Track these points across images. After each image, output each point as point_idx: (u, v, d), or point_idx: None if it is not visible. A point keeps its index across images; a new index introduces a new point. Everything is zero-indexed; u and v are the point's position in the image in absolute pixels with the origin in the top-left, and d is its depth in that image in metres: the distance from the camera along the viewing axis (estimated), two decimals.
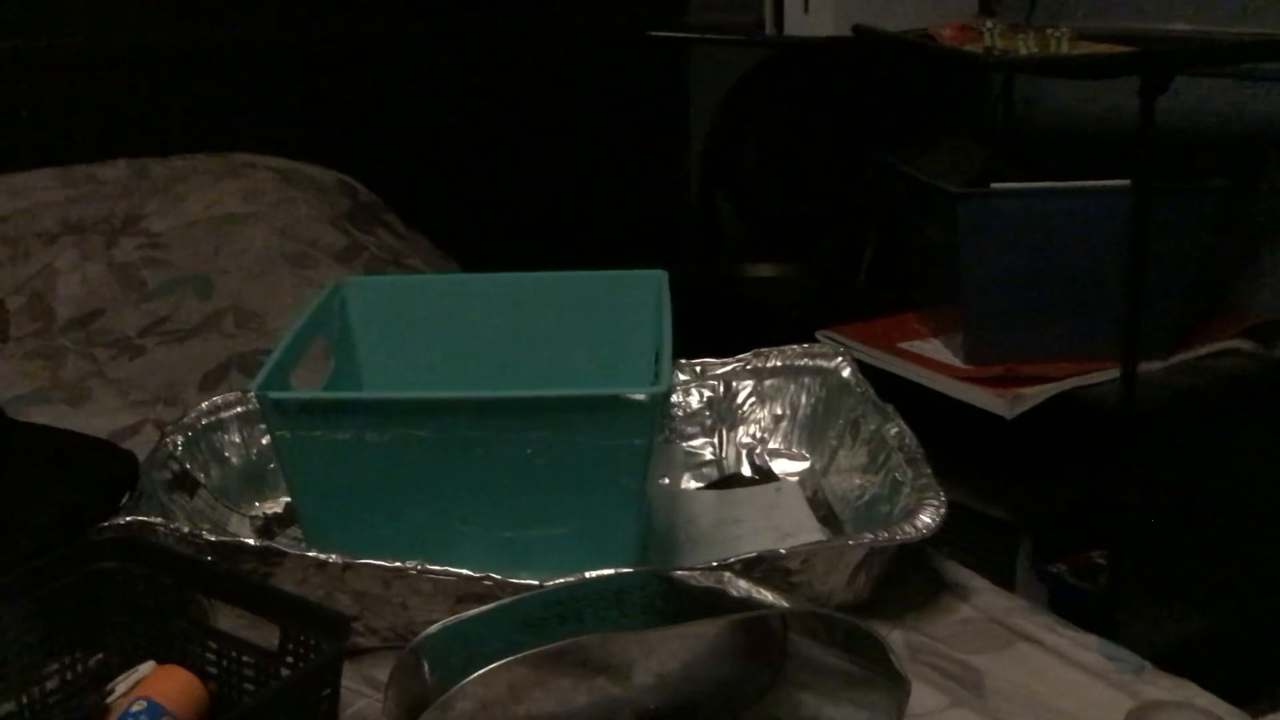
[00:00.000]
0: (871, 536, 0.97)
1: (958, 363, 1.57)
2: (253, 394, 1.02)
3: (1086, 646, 0.98)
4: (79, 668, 0.89)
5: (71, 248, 1.71)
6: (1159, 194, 1.40)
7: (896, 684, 0.85)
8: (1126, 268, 1.40)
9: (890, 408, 1.15)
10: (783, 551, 0.96)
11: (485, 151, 2.27)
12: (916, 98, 1.83)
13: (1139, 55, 1.40)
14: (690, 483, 1.24)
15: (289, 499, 1.15)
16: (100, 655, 0.90)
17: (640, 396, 0.98)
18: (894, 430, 1.12)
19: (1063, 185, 1.49)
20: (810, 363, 1.27)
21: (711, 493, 1.22)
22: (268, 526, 1.14)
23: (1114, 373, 1.45)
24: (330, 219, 1.86)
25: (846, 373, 1.23)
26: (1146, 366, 1.46)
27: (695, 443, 1.27)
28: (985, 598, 1.05)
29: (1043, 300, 1.52)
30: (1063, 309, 1.52)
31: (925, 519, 0.98)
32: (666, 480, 1.23)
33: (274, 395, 0.96)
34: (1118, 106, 1.46)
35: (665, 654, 0.91)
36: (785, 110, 1.97)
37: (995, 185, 1.49)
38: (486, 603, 0.89)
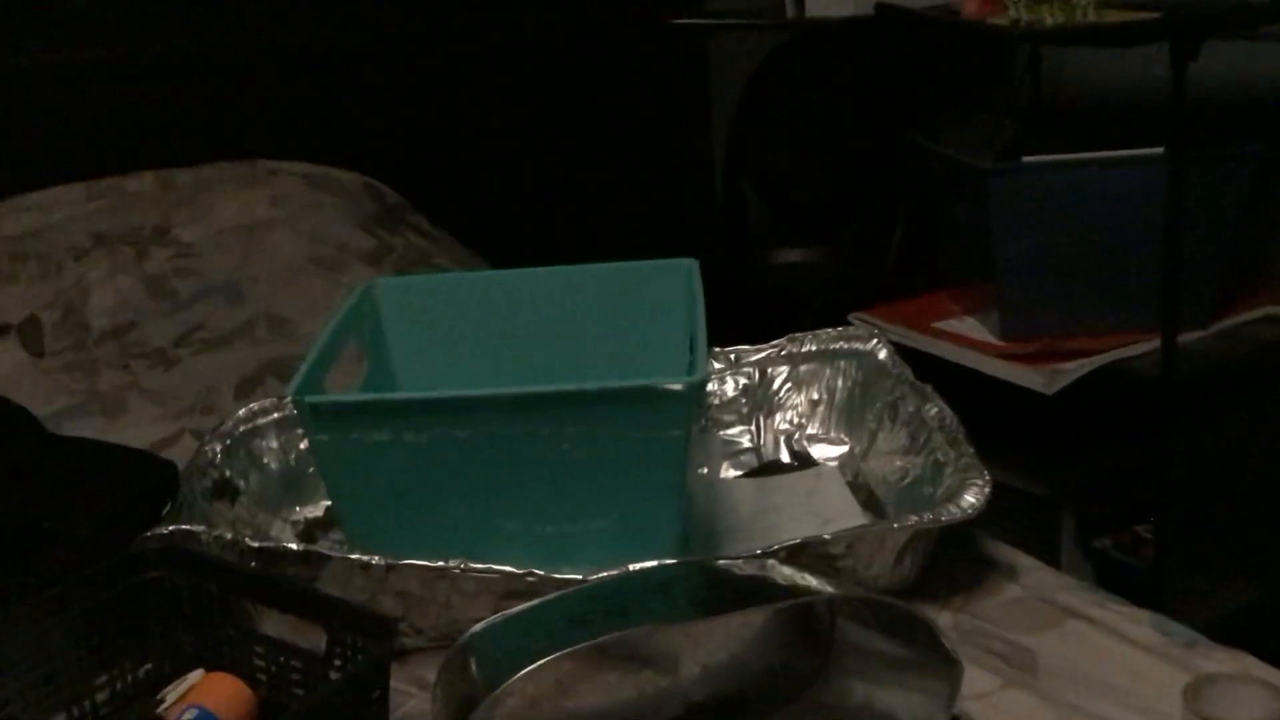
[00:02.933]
0: (916, 519, 0.96)
1: (994, 340, 1.56)
2: (289, 399, 1.02)
3: (1138, 622, 0.97)
4: (128, 678, 0.90)
5: (103, 260, 1.71)
6: (1193, 161, 1.38)
7: (948, 666, 0.84)
8: (1163, 237, 1.38)
9: (929, 388, 1.14)
10: (827, 537, 0.95)
11: (508, 147, 2.26)
12: (941, 75, 1.81)
13: (1167, 20, 1.38)
14: (729, 471, 1.23)
15: (329, 503, 1.15)
16: (148, 665, 0.90)
17: (677, 387, 0.97)
18: (934, 410, 1.11)
19: (1095, 156, 1.47)
20: (846, 346, 1.25)
21: (750, 481, 1.21)
22: (309, 531, 1.14)
23: (1153, 344, 1.43)
24: (357, 222, 1.86)
25: (883, 355, 1.22)
26: (1186, 336, 1.44)
27: (732, 431, 1.26)
28: (1033, 576, 1.03)
29: (1078, 273, 1.50)
30: (1099, 281, 1.50)
31: (970, 499, 0.97)
32: (705, 470, 1.22)
33: (310, 399, 0.96)
34: (1147, 74, 1.44)
35: (712, 645, 0.90)
36: (809, 93, 1.95)
37: (1026, 159, 1.47)
38: (530, 599, 0.88)
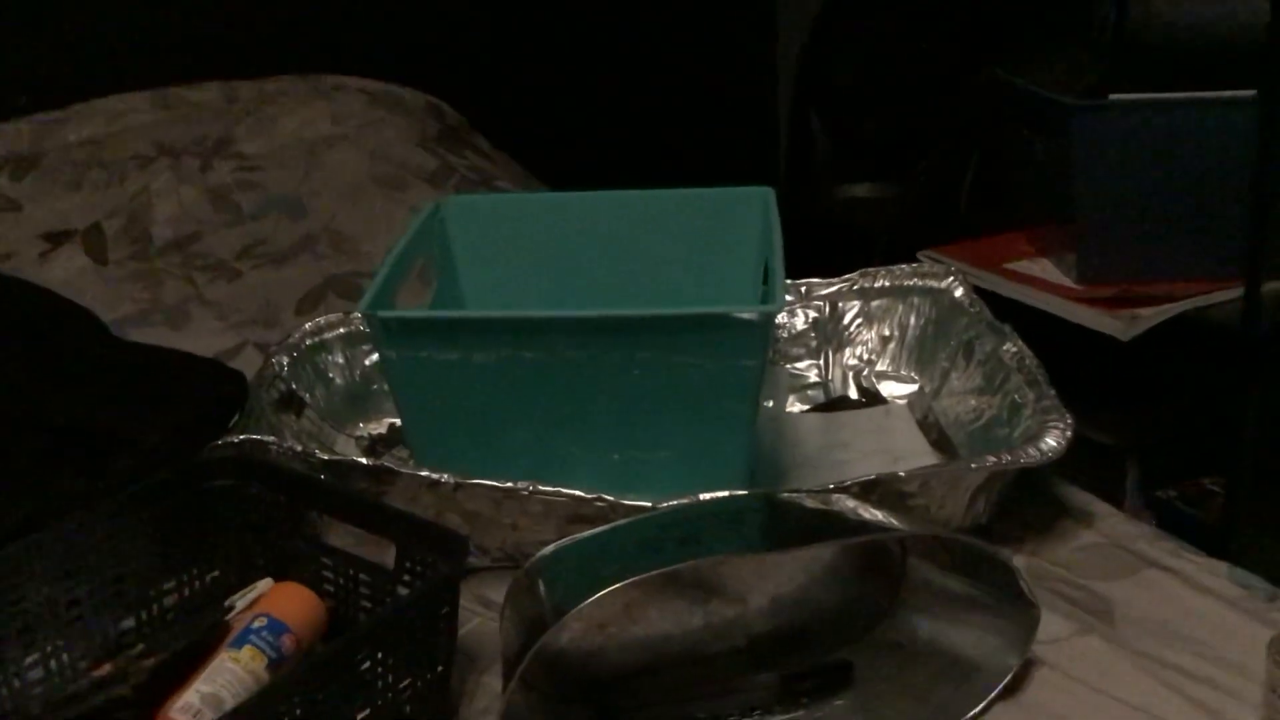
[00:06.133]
0: (994, 459, 0.94)
1: (1069, 283, 1.52)
2: (358, 314, 1.01)
3: (1216, 573, 0.95)
4: (196, 585, 0.90)
5: (166, 171, 1.71)
6: None
7: (1024, 609, 0.83)
8: (1251, 183, 1.33)
9: (1007, 327, 1.11)
10: (901, 474, 0.93)
11: (567, 70, 2.23)
12: (1024, 5, 1.75)
13: None
14: (795, 406, 1.21)
15: (392, 420, 1.15)
16: (216, 572, 0.90)
17: (750, 316, 0.95)
18: (1012, 350, 1.08)
19: (1184, 96, 1.42)
20: (920, 283, 1.23)
21: (818, 416, 1.20)
22: (373, 447, 1.14)
23: (1233, 293, 1.40)
24: (419, 141, 1.84)
25: (959, 292, 1.19)
26: (1270, 286, 1.40)
27: (800, 365, 1.24)
28: (1109, 523, 1.01)
29: (1161, 217, 1.46)
30: (1182, 226, 1.46)
31: (1050, 442, 0.95)
32: (770, 403, 1.20)
33: (383, 315, 0.95)
34: (1243, 11, 1.38)
35: (781, 577, 0.89)
36: (883, 22, 1.90)
37: (1113, 97, 1.42)
38: (597, 524, 0.88)
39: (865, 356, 1.23)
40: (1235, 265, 1.37)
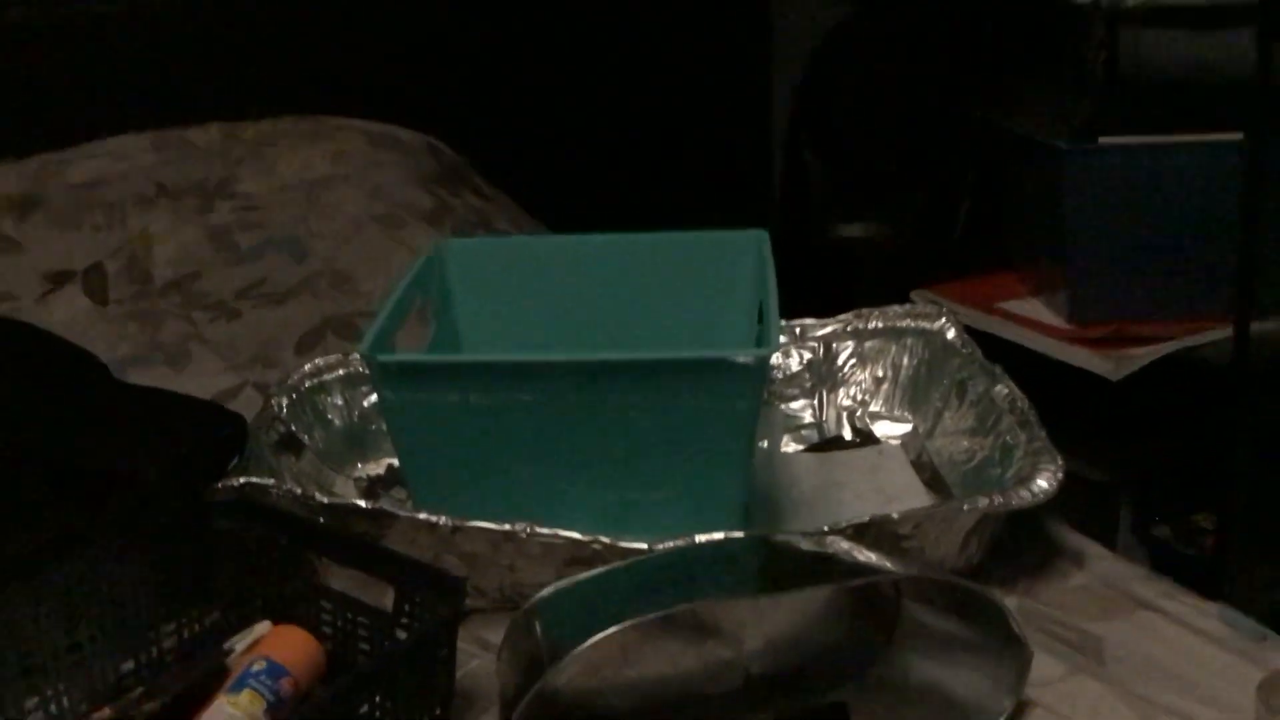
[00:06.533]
0: (986, 501, 0.95)
1: (1060, 323, 1.54)
2: (357, 356, 1.01)
3: (1208, 614, 0.95)
4: (195, 627, 0.90)
5: (167, 211, 1.72)
6: (1274, 147, 1.35)
7: (1017, 651, 0.84)
8: (1239, 223, 1.35)
9: (998, 368, 1.13)
10: (895, 516, 0.94)
11: (563, 108, 2.25)
12: (1015, 47, 1.78)
13: (1255, 3, 1.35)
14: (790, 446, 1.22)
15: (391, 461, 1.16)
16: (215, 615, 0.91)
17: (746, 359, 0.96)
18: (1004, 392, 1.09)
19: (1173, 139, 1.44)
20: (913, 324, 1.24)
21: (812, 456, 1.21)
22: (371, 488, 1.15)
23: (1224, 332, 1.41)
24: (418, 181, 1.86)
25: (951, 334, 1.21)
26: (1259, 326, 1.42)
27: (795, 405, 1.25)
28: (1100, 564, 1.02)
29: (1151, 258, 1.48)
30: (1172, 267, 1.48)
31: (1041, 483, 0.96)
32: (765, 443, 1.22)
33: (382, 358, 0.96)
34: (1231, 55, 1.40)
35: (777, 618, 0.90)
36: (877, 64, 1.92)
37: (1103, 140, 1.45)
38: (595, 566, 0.89)
39: (859, 397, 1.24)
40: (1224, 305, 1.39)
